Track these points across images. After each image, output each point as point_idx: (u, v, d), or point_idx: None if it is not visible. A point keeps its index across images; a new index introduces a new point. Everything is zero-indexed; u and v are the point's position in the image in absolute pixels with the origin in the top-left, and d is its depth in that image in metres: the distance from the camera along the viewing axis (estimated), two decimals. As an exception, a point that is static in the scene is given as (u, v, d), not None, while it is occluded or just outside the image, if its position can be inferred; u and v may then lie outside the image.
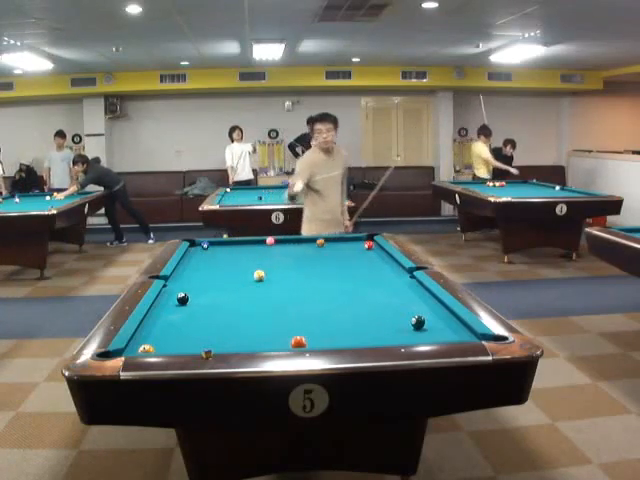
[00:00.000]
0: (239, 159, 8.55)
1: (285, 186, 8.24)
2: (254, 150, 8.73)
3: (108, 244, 8.49)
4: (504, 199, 6.54)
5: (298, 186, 4.44)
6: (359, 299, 2.84)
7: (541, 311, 5.11)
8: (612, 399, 3.43)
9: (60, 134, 9.10)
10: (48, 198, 7.69)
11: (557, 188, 7.68)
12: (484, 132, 8.58)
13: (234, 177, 8.60)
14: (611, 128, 11.15)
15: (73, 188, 7.99)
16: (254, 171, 10.26)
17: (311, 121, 4.53)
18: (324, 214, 4.60)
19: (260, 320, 2.53)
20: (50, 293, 6.05)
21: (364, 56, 9.21)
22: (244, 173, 8.70)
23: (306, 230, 4.67)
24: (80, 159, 8.23)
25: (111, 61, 8.67)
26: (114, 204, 8.45)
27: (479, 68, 10.14)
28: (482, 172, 8.63)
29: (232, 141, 8.67)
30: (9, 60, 7.30)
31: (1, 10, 5.48)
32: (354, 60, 9.58)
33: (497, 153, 8.93)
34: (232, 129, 8.67)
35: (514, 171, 8.44)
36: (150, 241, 8.51)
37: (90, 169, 8.16)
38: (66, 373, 1.87)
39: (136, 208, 8.56)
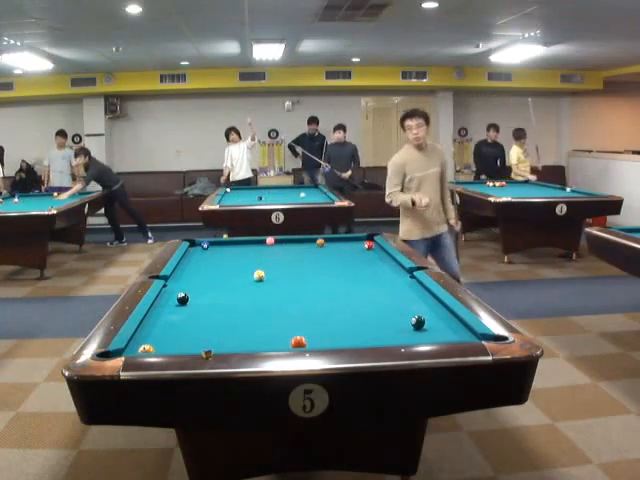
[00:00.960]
0: (237, 159, 8.50)
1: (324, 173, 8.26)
2: (252, 139, 8.49)
3: (108, 244, 8.49)
4: (504, 199, 6.54)
5: (395, 199, 4.28)
6: (359, 299, 2.84)
7: (541, 311, 5.11)
8: (612, 399, 3.42)
9: (61, 133, 9.07)
10: (54, 194, 7.79)
11: (568, 190, 7.54)
12: (515, 134, 8.29)
13: (232, 177, 8.55)
14: (611, 128, 11.15)
15: (78, 186, 8.02)
16: (254, 171, 10.25)
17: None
18: (421, 214, 4.32)
19: (260, 320, 2.53)
20: (50, 293, 6.05)
21: (364, 56, 9.21)
22: (242, 172, 8.57)
23: (403, 231, 4.43)
24: (82, 151, 8.25)
25: (111, 61, 8.67)
26: (113, 204, 8.44)
27: (479, 68, 10.14)
28: (516, 177, 8.36)
29: (229, 142, 8.57)
30: (9, 60, 7.29)
31: (1, 10, 5.48)
32: (354, 60, 9.59)
33: (481, 145, 8.93)
34: (228, 131, 8.57)
35: (532, 178, 8.19)
36: (150, 241, 8.50)
37: (92, 164, 8.19)
38: (66, 373, 1.87)
39: (135, 208, 8.55)
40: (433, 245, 4.46)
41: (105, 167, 8.59)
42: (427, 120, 4.30)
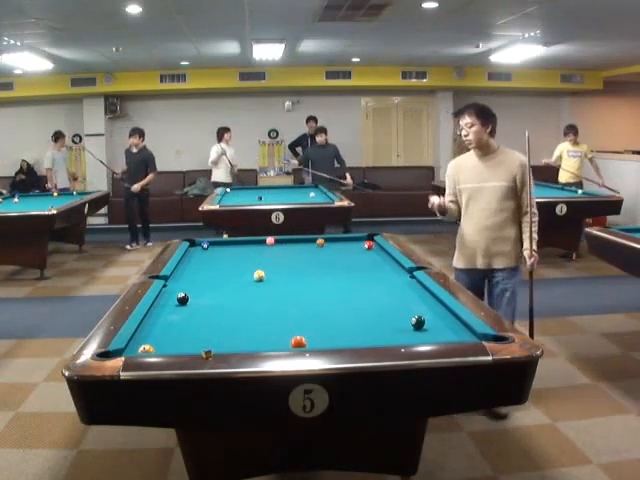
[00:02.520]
0: (223, 161, 8.34)
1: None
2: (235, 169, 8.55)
3: (128, 247, 8.22)
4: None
5: (434, 201, 3.38)
6: (359, 299, 2.84)
7: (541, 311, 5.07)
8: (612, 399, 3.43)
9: (62, 134, 8.95)
10: (56, 194, 7.88)
11: (580, 192, 7.42)
12: (564, 131, 8.06)
13: (218, 177, 8.38)
14: (611, 128, 11.15)
15: (151, 176, 8.05)
16: (253, 171, 10.23)
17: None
18: (467, 236, 3.47)
19: (260, 320, 2.53)
20: (50, 293, 6.05)
21: (364, 56, 9.21)
22: (226, 174, 8.41)
23: (454, 257, 3.61)
24: (137, 131, 8.09)
25: (111, 61, 8.67)
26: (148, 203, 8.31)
27: (479, 68, 10.15)
28: (563, 177, 8.11)
29: (220, 142, 8.33)
30: (9, 60, 7.30)
31: (1, 10, 5.49)
32: (354, 60, 9.59)
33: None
34: (224, 130, 8.33)
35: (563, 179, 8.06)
36: (149, 244, 8.39)
37: (146, 148, 8.13)
38: (66, 373, 1.87)
39: (148, 210, 8.42)
40: (488, 283, 3.54)
41: None
42: (483, 118, 3.32)
